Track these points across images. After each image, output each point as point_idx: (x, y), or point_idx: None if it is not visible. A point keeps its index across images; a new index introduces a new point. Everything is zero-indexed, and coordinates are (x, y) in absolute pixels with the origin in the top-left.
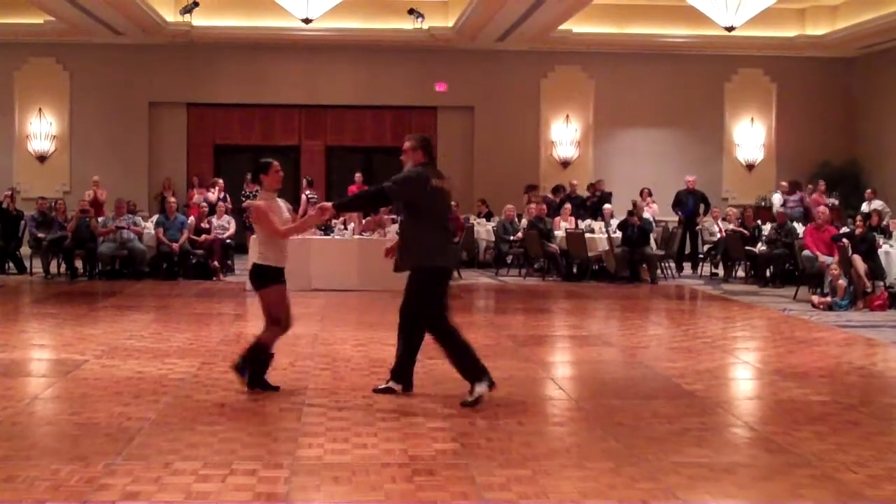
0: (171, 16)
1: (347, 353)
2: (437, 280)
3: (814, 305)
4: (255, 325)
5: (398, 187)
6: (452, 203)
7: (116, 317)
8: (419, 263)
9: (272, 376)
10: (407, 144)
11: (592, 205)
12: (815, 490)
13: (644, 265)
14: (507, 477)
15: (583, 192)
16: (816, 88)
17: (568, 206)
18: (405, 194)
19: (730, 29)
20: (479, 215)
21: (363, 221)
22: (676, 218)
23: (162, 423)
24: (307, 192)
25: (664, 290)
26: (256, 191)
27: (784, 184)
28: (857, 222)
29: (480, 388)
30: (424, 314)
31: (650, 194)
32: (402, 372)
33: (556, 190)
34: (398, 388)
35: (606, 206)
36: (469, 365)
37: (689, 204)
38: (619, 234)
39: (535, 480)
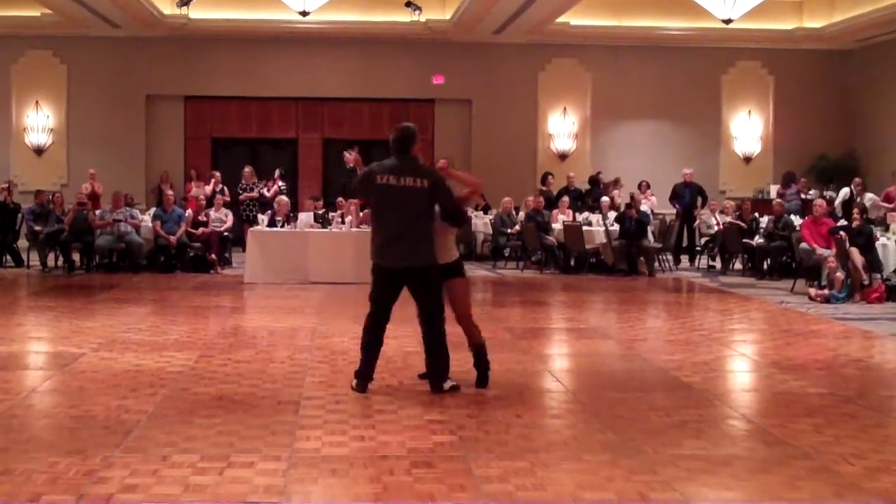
0: (167, 8)
1: (345, 346)
2: (374, 274)
3: (811, 298)
4: (252, 318)
5: (355, 185)
6: (413, 198)
7: (114, 310)
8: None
9: (271, 368)
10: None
11: (594, 196)
12: (813, 482)
13: (642, 258)
14: (505, 469)
15: (584, 186)
16: (814, 81)
17: (565, 198)
18: (360, 191)
19: (727, 21)
20: (476, 208)
21: (360, 215)
22: (674, 211)
23: (159, 416)
24: (279, 183)
25: (662, 283)
26: (254, 183)
27: (858, 179)
28: (855, 215)
29: (353, 383)
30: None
31: (649, 187)
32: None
33: (545, 179)
34: (354, 382)
35: (604, 198)
36: (363, 360)
37: (686, 197)
38: (616, 227)
39: (532, 473)
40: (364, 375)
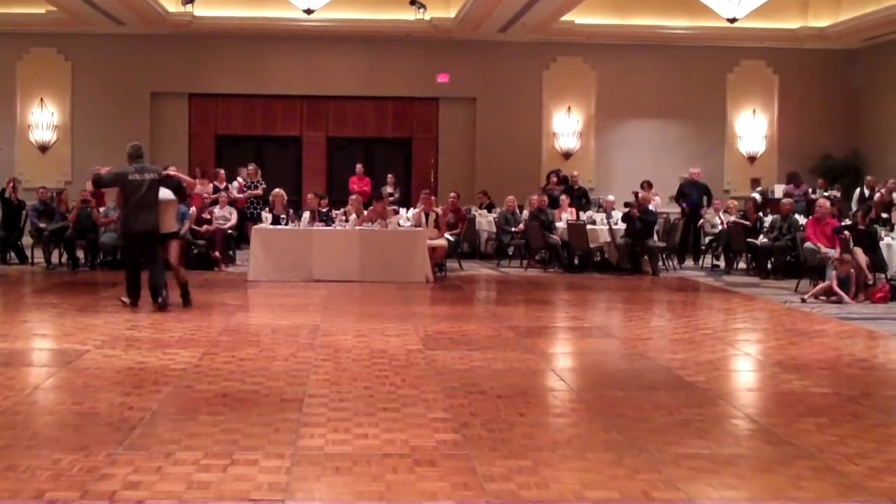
0: (172, 6)
1: (349, 344)
2: (124, 239)
3: (816, 297)
4: (256, 316)
5: (109, 179)
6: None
7: (117, 307)
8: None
9: (275, 366)
10: None
11: (571, 195)
12: (816, 482)
13: (646, 257)
14: (509, 468)
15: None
16: (819, 80)
17: (564, 197)
18: (113, 184)
19: (732, 20)
20: (480, 206)
21: (365, 212)
22: (678, 210)
23: (163, 414)
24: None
25: (666, 282)
26: (258, 181)
27: (870, 178)
28: (858, 215)
29: (124, 298)
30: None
31: (651, 186)
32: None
33: (548, 177)
34: (128, 300)
35: (609, 197)
36: (128, 288)
37: (694, 196)
38: (621, 226)
39: (536, 471)
40: (132, 294)
